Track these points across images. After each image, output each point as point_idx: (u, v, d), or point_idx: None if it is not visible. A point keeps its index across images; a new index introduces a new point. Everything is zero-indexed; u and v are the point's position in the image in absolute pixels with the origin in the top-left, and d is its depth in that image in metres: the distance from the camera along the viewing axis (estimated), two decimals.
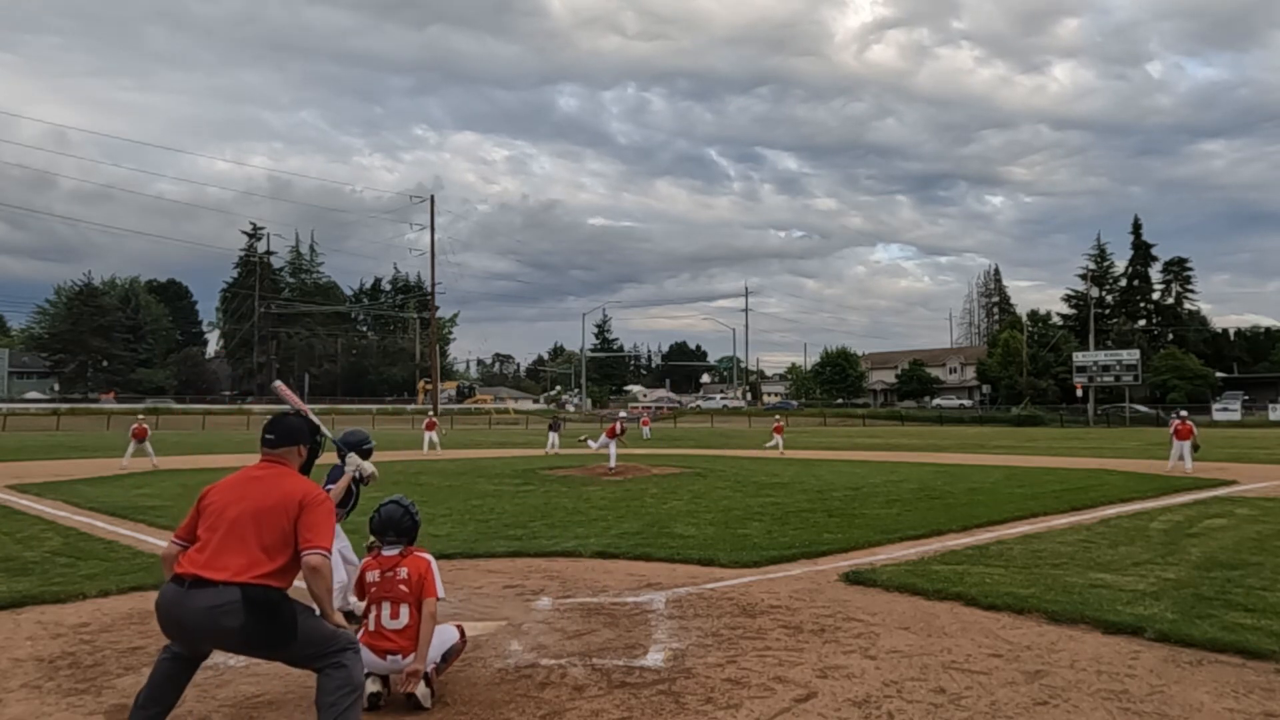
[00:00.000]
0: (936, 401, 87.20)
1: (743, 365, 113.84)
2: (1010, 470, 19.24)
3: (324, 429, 4.17)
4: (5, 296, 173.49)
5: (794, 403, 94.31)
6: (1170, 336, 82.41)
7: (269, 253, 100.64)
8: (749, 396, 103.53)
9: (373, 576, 4.42)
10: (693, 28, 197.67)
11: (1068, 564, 7.76)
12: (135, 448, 21.86)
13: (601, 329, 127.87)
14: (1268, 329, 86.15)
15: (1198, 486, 15.04)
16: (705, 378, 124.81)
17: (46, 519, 11.43)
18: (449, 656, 4.51)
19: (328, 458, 6.10)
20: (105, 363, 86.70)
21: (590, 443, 21.50)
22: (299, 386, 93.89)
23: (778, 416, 34.97)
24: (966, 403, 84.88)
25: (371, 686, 4.18)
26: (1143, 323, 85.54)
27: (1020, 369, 78.80)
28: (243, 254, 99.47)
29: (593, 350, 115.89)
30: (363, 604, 4.57)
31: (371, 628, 4.33)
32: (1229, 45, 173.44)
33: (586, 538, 9.50)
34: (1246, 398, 65.78)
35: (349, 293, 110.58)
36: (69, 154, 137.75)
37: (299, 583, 3.49)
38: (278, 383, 4.98)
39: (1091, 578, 7.11)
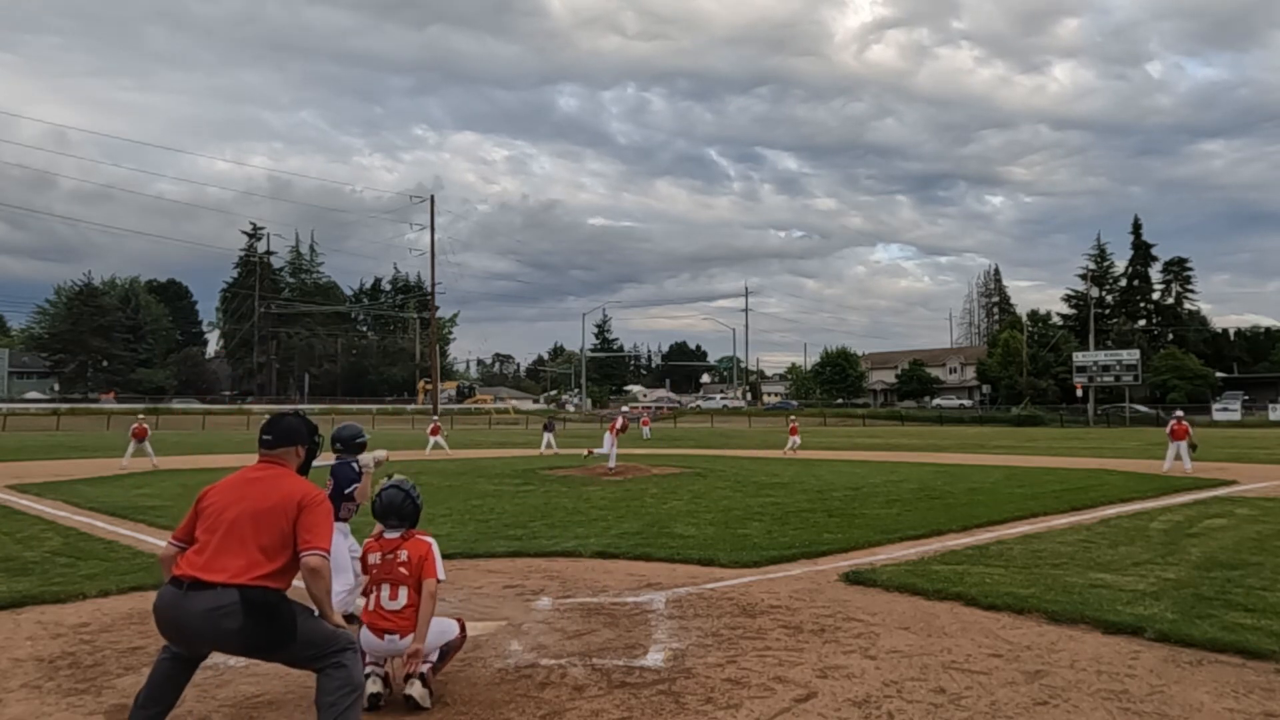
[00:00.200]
0: (936, 401, 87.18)
1: (743, 365, 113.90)
2: (1010, 470, 19.24)
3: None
4: (5, 296, 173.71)
5: (794, 403, 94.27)
6: (1170, 336, 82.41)
7: (269, 253, 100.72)
8: (749, 396, 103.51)
9: (374, 559, 4.47)
10: (692, 28, 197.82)
11: (1068, 564, 7.76)
12: (135, 448, 21.86)
13: (601, 329, 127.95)
14: (1268, 329, 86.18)
15: (1198, 486, 15.04)
16: (705, 378, 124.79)
17: (46, 519, 11.43)
18: (447, 654, 4.49)
19: (326, 456, 6.13)
20: (105, 363, 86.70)
21: (610, 457, 20.33)
22: (299, 386, 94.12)
23: (792, 417, 34.82)
24: (966, 403, 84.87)
25: (372, 687, 4.18)
26: (1143, 323, 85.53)
27: (1020, 369, 78.80)
28: (243, 254, 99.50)
29: (593, 350, 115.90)
30: (363, 603, 4.62)
31: (371, 608, 4.40)
32: (1229, 45, 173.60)
33: (586, 538, 9.50)
34: (1246, 398, 65.76)
35: (349, 293, 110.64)
36: (69, 154, 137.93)
37: (297, 582, 3.49)
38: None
39: (1091, 578, 7.11)
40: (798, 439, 28.88)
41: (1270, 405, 60.91)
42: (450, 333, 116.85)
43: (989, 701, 4.32)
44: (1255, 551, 8.38)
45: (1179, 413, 20.66)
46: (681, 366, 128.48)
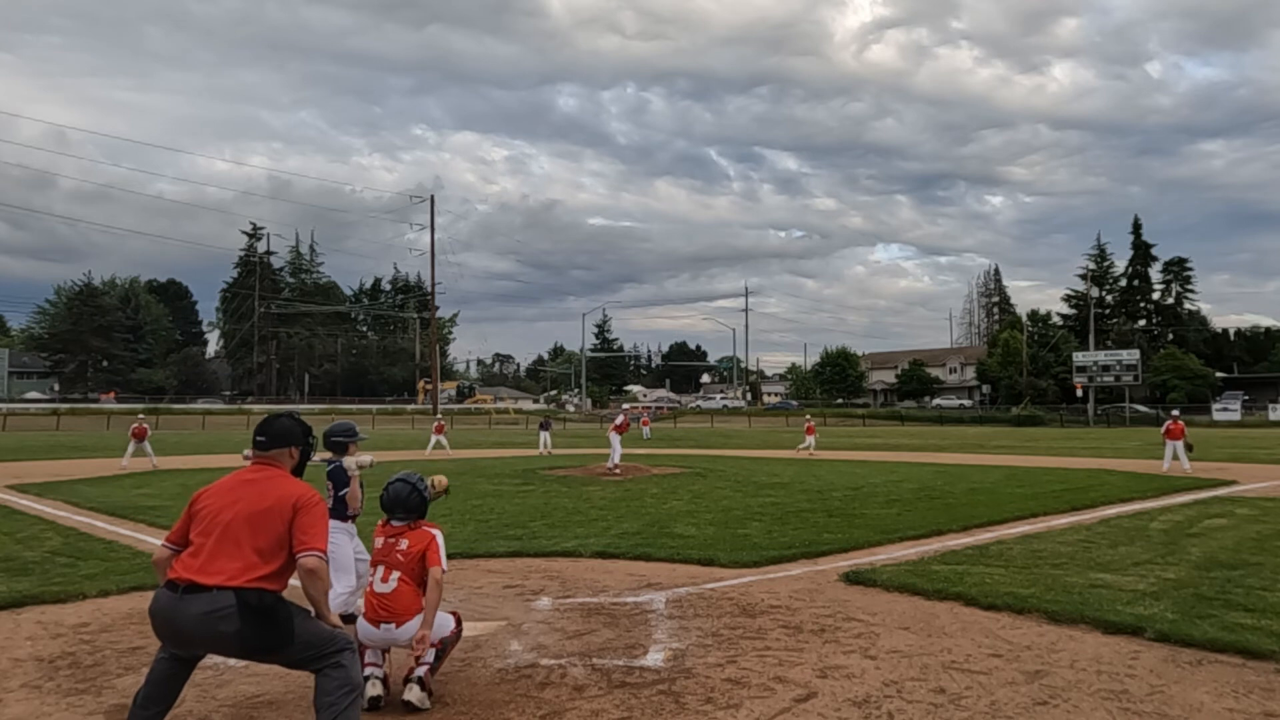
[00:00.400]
0: (936, 401, 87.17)
1: (743, 365, 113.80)
2: (1010, 470, 19.24)
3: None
4: (5, 296, 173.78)
5: (794, 403, 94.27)
6: (1170, 336, 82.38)
7: (269, 253, 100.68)
8: (749, 396, 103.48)
9: (378, 542, 4.55)
10: (691, 28, 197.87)
11: (1068, 564, 7.76)
12: (135, 448, 21.84)
13: (601, 329, 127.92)
14: (1268, 329, 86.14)
15: (1198, 486, 15.04)
16: (705, 378, 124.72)
17: (46, 519, 11.43)
18: (442, 654, 4.46)
19: (323, 455, 6.12)
20: (105, 363, 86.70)
21: (613, 458, 19.84)
22: (299, 386, 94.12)
23: (808, 416, 34.71)
24: (966, 403, 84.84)
25: (371, 690, 4.18)
26: (1143, 323, 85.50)
27: (1020, 369, 78.79)
28: (243, 254, 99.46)
29: (593, 350, 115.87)
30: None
31: (366, 590, 4.48)
32: (1228, 45, 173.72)
33: (586, 538, 9.50)
34: (1246, 398, 65.75)
35: (349, 293, 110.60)
36: (69, 154, 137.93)
37: (293, 582, 3.48)
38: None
39: (1091, 578, 7.11)
40: (813, 439, 28.46)
41: (1270, 405, 60.90)
42: (450, 333, 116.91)
43: (989, 701, 4.32)
44: (1255, 551, 8.38)
45: (1175, 412, 20.68)
46: (681, 366, 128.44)
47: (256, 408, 72.42)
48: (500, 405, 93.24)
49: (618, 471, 18.90)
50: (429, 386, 78.81)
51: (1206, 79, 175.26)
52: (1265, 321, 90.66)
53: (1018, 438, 40.79)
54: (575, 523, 10.82)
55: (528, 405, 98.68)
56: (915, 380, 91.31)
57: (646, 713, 4.20)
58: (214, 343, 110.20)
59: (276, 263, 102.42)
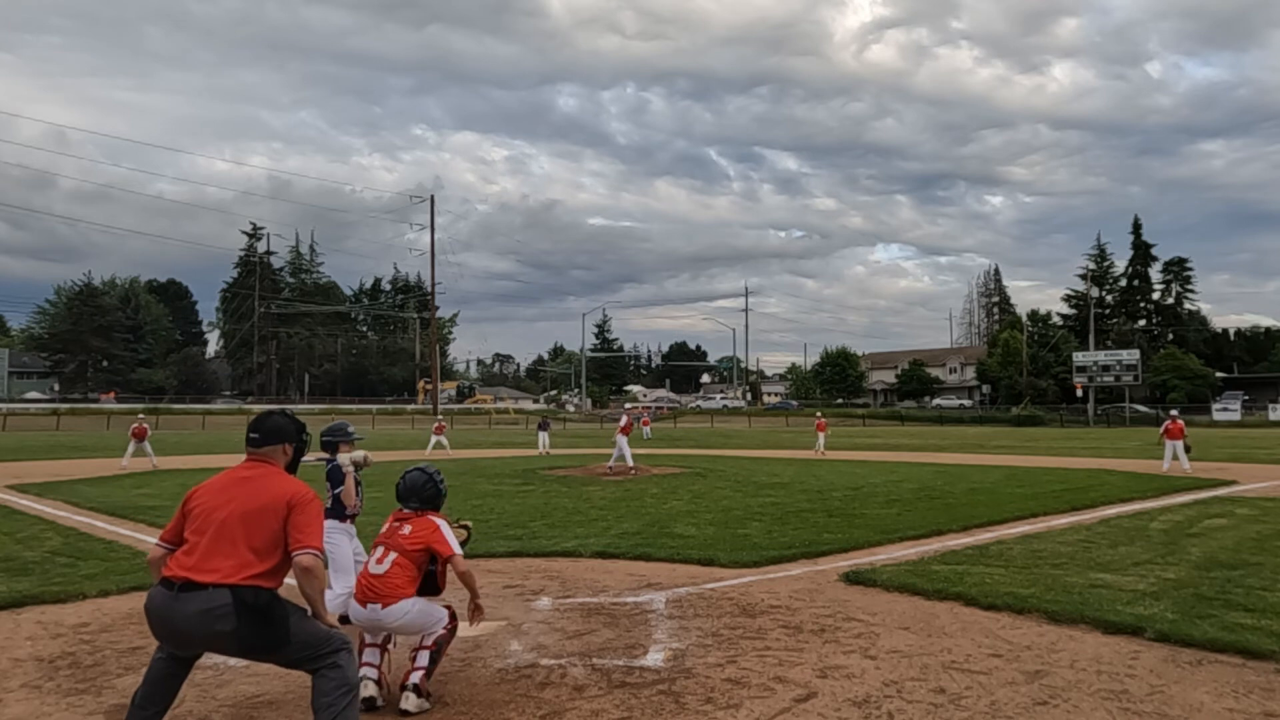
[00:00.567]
0: (936, 401, 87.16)
1: (743, 365, 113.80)
2: (1010, 470, 19.24)
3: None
4: (5, 296, 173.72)
5: (794, 403, 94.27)
6: (1170, 336, 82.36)
7: (269, 253, 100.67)
8: (749, 396, 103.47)
9: (385, 526, 4.57)
10: (691, 28, 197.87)
11: (1068, 564, 7.76)
12: (135, 448, 21.84)
13: (601, 329, 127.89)
14: (1268, 329, 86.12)
15: (1198, 486, 15.04)
16: (705, 378, 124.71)
17: (46, 519, 11.43)
18: (437, 655, 4.40)
19: (322, 454, 6.12)
20: (105, 363, 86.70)
21: (624, 459, 19.63)
22: (299, 386, 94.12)
23: (819, 414, 34.60)
24: (966, 403, 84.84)
25: (365, 691, 4.17)
26: (1143, 323, 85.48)
27: (1020, 369, 78.79)
28: (243, 254, 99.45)
29: (593, 350, 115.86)
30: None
31: (361, 571, 4.47)
32: (1228, 45, 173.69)
33: (586, 538, 9.51)
34: (1246, 398, 65.74)
35: (349, 293, 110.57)
36: (69, 154, 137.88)
37: (290, 581, 3.47)
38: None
39: (1091, 578, 7.11)
40: (824, 436, 28.47)
41: (1270, 405, 60.89)
42: (450, 333, 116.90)
43: (989, 701, 4.32)
44: (1255, 551, 8.38)
45: (1174, 412, 20.68)
46: (681, 366, 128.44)
47: (255, 407, 72.44)
48: (500, 405, 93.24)
49: (633, 470, 18.87)
50: (429, 386, 78.81)
51: (1206, 79, 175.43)
52: (1265, 321, 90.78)
53: (1018, 438, 40.79)
54: (575, 523, 10.82)
55: (528, 405, 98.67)
56: (915, 380, 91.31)
57: (646, 713, 4.20)
58: (214, 343, 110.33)
59: (276, 263, 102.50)
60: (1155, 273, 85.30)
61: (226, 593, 3.28)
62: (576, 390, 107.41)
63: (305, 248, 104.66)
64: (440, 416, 38.65)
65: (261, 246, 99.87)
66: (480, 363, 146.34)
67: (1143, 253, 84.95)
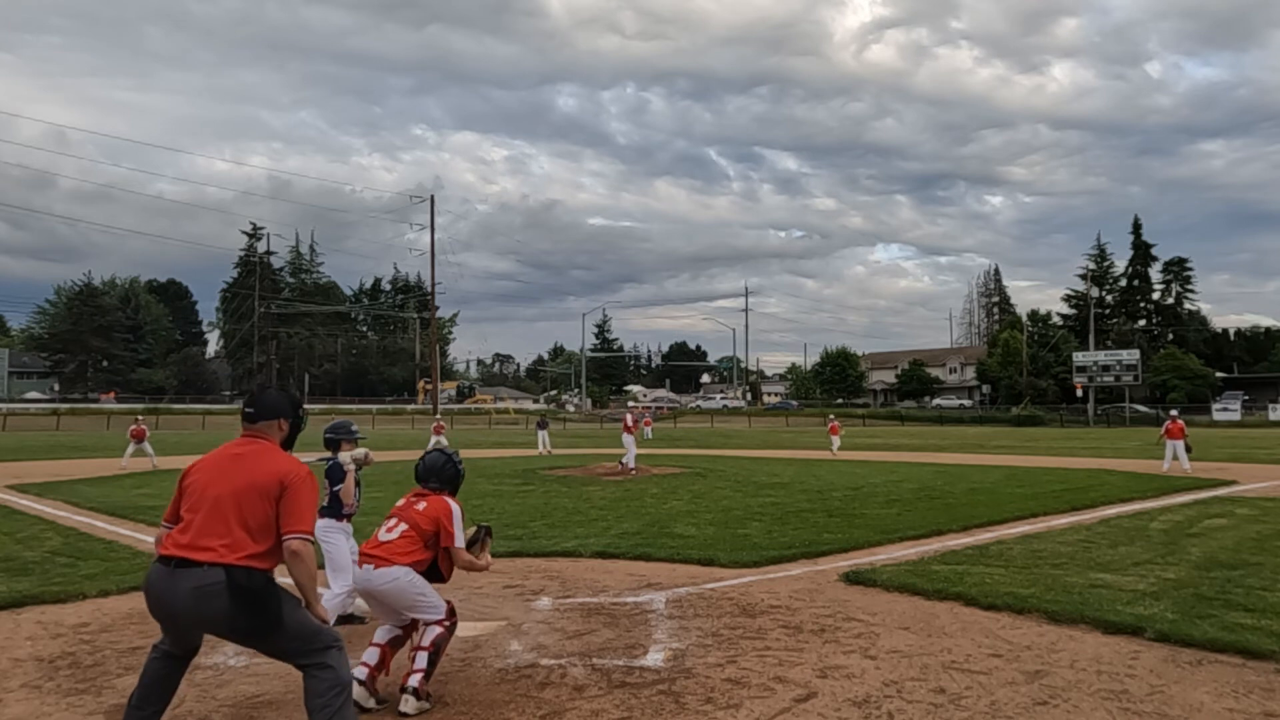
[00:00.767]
0: (936, 401, 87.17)
1: (743, 365, 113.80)
2: (1010, 470, 19.24)
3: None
4: (5, 296, 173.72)
5: (794, 403, 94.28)
6: (1170, 336, 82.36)
7: (269, 253, 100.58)
8: (749, 396, 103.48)
9: (401, 501, 4.62)
10: (691, 27, 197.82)
11: (1068, 564, 7.76)
12: (134, 448, 21.82)
13: (601, 329, 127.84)
14: (1268, 329, 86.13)
15: (1198, 486, 15.04)
16: (705, 378, 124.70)
17: (46, 519, 11.44)
18: (435, 656, 4.39)
19: (322, 452, 6.11)
20: (105, 363, 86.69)
21: (630, 461, 19.39)
22: (299, 386, 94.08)
23: (831, 416, 34.40)
24: (966, 403, 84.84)
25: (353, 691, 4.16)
26: (1143, 323, 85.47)
27: (1020, 369, 78.80)
28: (243, 254, 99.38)
29: (593, 350, 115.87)
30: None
31: (372, 538, 4.49)
32: (1228, 45, 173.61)
33: (586, 538, 9.51)
34: (1246, 398, 65.75)
35: (349, 293, 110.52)
36: (69, 154, 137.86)
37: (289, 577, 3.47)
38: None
39: (1091, 578, 7.11)
40: (837, 439, 28.26)
41: (1270, 405, 60.90)
42: (450, 333, 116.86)
43: (989, 701, 4.32)
44: (1255, 551, 8.38)
45: (1174, 412, 20.69)
46: (681, 366, 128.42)
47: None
48: (500, 405, 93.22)
49: (633, 471, 18.78)
50: (429, 386, 78.80)
51: (1206, 79, 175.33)
52: (1265, 321, 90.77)
53: (1018, 438, 40.79)
54: (575, 523, 10.82)
55: (528, 405, 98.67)
56: (915, 380, 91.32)
57: (646, 713, 4.20)
58: (214, 343, 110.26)
59: (276, 263, 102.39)
60: (1155, 273, 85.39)
61: (220, 572, 3.26)
62: (576, 390, 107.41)
63: (305, 248, 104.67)
64: (439, 416, 38.57)
65: (261, 246, 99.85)
66: (480, 363, 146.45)
67: (1143, 253, 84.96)
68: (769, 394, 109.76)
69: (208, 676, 4.74)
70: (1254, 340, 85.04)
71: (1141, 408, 68.38)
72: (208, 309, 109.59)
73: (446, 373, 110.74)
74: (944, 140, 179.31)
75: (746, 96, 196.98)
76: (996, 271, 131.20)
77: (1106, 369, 68.16)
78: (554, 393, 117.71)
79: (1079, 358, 70.35)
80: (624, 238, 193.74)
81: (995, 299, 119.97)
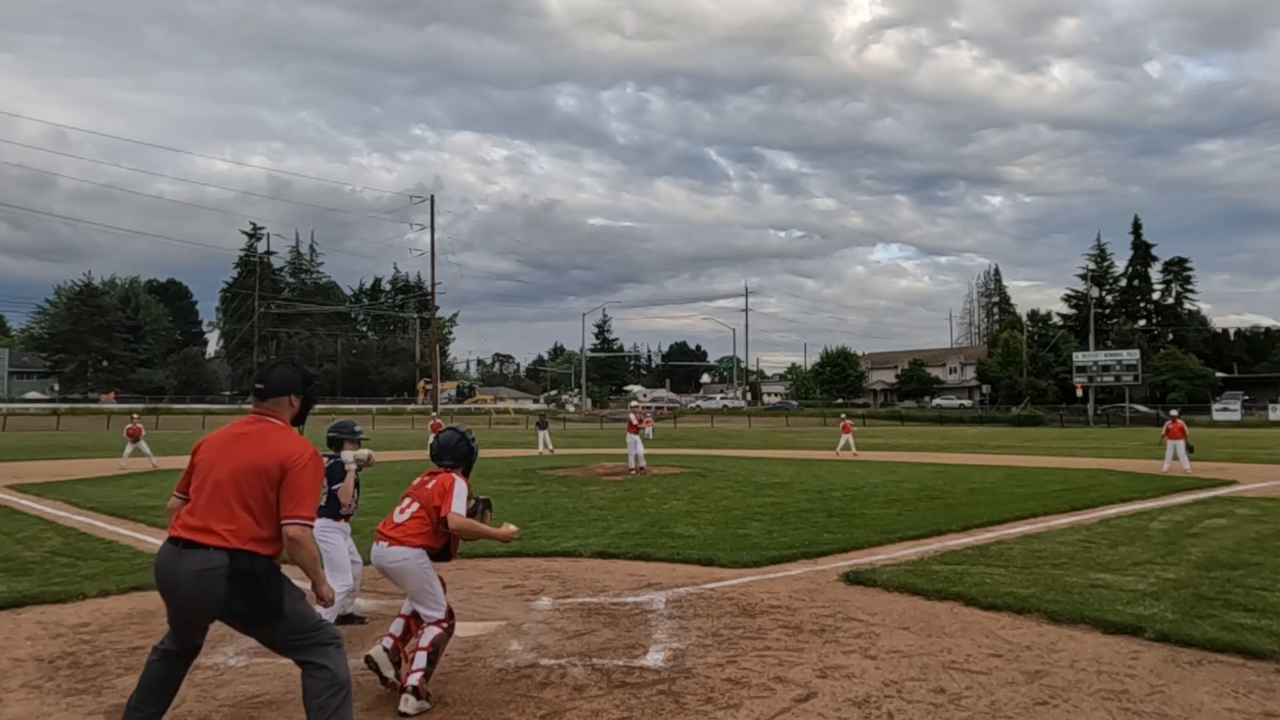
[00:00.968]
0: (936, 401, 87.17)
1: (743, 365, 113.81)
2: (1010, 470, 19.24)
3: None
4: (5, 296, 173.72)
5: (794, 403, 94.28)
6: (1170, 336, 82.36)
7: (269, 253, 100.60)
8: (749, 396, 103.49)
9: (417, 482, 4.72)
10: (691, 28, 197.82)
11: (1068, 564, 7.76)
12: (132, 447, 21.78)
13: (601, 329, 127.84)
14: (1268, 329, 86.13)
15: (1198, 486, 15.04)
16: (705, 378, 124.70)
17: (46, 519, 11.44)
18: (434, 656, 4.40)
19: (325, 451, 6.12)
20: (105, 363, 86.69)
21: (639, 459, 19.31)
22: None
23: (843, 415, 34.16)
24: (966, 403, 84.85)
25: (374, 650, 4.30)
26: (1143, 323, 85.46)
27: (1020, 369, 78.80)
28: (243, 254, 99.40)
29: (593, 350, 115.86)
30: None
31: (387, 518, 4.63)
32: (1228, 45, 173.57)
33: (586, 538, 9.51)
34: (1246, 398, 65.75)
35: (349, 293, 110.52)
36: (69, 154, 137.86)
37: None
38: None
39: (1091, 578, 7.11)
40: (848, 438, 27.74)
41: (1270, 405, 60.90)
42: (450, 333, 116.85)
43: (989, 701, 4.32)
44: (1255, 551, 8.38)
45: (1174, 412, 20.69)
46: (681, 366, 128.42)
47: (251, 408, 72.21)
48: (500, 405, 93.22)
49: (634, 471, 18.74)
50: (429, 386, 78.81)
51: (1206, 79, 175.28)
52: (1265, 321, 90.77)
53: (1018, 438, 40.79)
54: (575, 523, 10.82)
55: (528, 405, 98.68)
56: (915, 380, 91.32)
57: (646, 713, 4.20)
58: (214, 343, 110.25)
59: (276, 263, 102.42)
60: (1155, 273, 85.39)
61: (223, 556, 3.25)
62: (576, 390, 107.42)
63: (305, 248, 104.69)
64: (435, 414, 38.48)
65: (261, 246, 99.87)
66: (480, 363, 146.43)
67: (1143, 253, 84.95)
68: (769, 394, 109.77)
69: (208, 676, 4.74)
70: (1254, 340, 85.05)
71: (1141, 408, 68.38)
72: (208, 309, 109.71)
73: (446, 373, 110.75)
74: (944, 140, 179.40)
75: (746, 96, 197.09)
76: (996, 271, 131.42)
77: (1106, 369, 68.16)
78: (554, 393, 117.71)
79: (1079, 358, 70.35)
80: (624, 238, 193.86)
81: (995, 299, 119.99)
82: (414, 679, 4.26)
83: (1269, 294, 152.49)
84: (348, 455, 5.99)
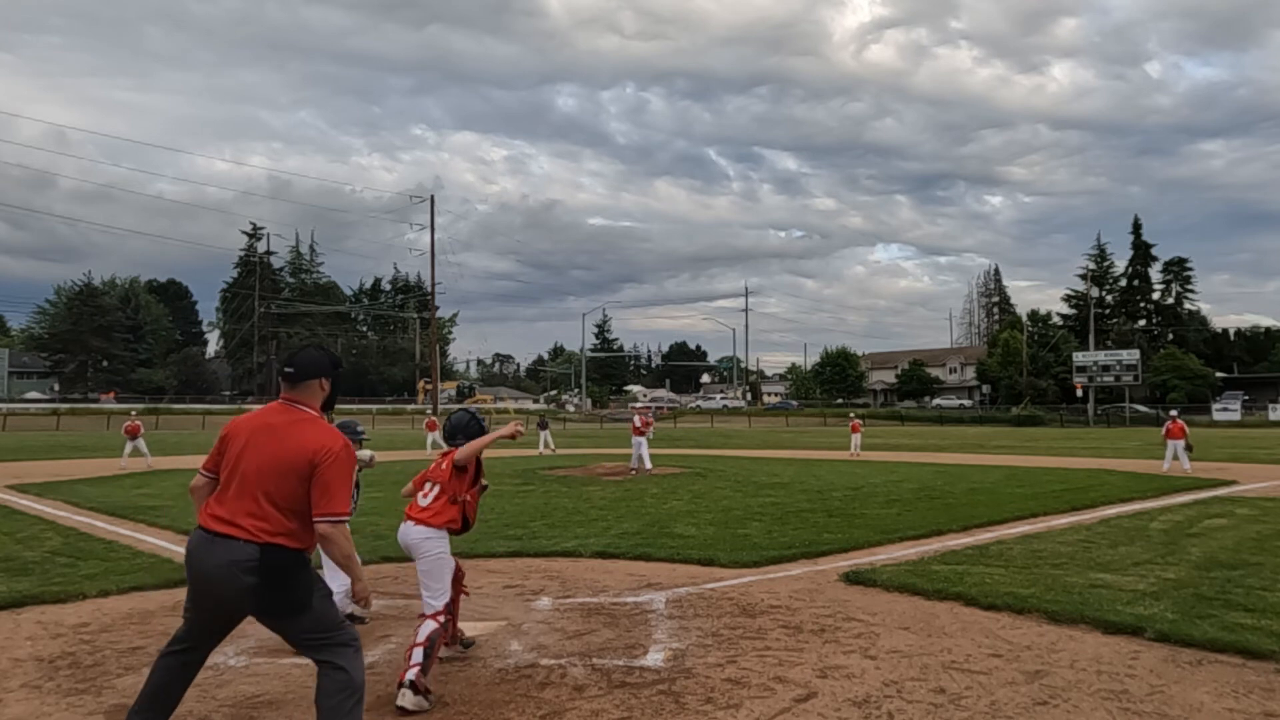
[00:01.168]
0: (936, 401, 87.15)
1: (743, 365, 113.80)
2: (1010, 470, 19.24)
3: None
4: (5, 296, 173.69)
5: (794, 403, 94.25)
6: (1170, 336, 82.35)
7: (269, 253, 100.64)
8: (749, 396, 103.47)
9: (432, 465, 5.04)
10: (691, 27, 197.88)
11: (1068, 564, 7.76)
12: (132, 446, 21.71)
13: (601, 329, 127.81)
14: (1268, 329, 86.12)
15: (1198, 486, 15.04)
16: (705, 378, 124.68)
17: (46, 519, 11.43)
18: (430, 651, 4.46)
19: None
20: (105, 363, 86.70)
21: (645, 461, 19.30)
22: None
23: (853, 414, 34.08)
24: (966, 403, 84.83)
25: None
26: (1143, 323, 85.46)
27: (1020, 369, 78.78)
28: (243, 254, 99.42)
29: (593, 350, 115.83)
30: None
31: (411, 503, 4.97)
32: (1228, 45, 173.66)
33: (586, 538, 9.50)
34: (1246, 398, 65.74)
35: (349, 293, 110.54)
36: (69, 154, 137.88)
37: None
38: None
39: (1091, 578, 7.11)
40: (858, 438, 27.78)
41: (1270, 405, 60.89)
42: (450, 333, 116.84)
43: (989, 701, 4.32)
44: (1255, 551, 8.38)
45: (1174, 412, 20.67)
46: (681, 366, 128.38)
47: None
48: (500, 405, 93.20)
49: (633, 471, 18.70)
50: (429, 386, 78.78)
51: (1206, 79, 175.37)
52: (1265, 321, 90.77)
53: (1018, 438, 40.79)
54: (575, 523, 10.82)
55: (528, 405, 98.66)
56: (915, 380, 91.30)
57: (646, 713, 4.20)
58: (214, 343, 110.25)
59: (276, 263, 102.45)
60: (1155, 273, 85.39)
61: (254, 549, 3.23)
62: (576, 390, 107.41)
63: (305, 248, 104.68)
64: (430, 412, 38.35)
65: (261, 246, 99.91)
66: (480, 363, 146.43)
67: (1143, 253, 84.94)
68: (769, 394, 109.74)
69: (208, 676, 4.74)
70: (1254, 340, 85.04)
71: (1141, 408, 68.38)
72: (208, 309, 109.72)
73: (446, 373, 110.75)
74: (944, 140, 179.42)
75: (746, 96, 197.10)
76: (996, 271, 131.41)
77: (1106, 369, 68.15)
78: (554, 393, 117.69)
79: (1079, 358, 70.35)
80: (624, 238, 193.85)
81: (995, 299, 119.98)
82: (411, 674, 4.29)
83: (1269, 294, 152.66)
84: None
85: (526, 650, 5.28)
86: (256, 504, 3.29)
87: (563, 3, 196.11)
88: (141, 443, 21.75)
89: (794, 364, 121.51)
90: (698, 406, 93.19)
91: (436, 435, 29.37)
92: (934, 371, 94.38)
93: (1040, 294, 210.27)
